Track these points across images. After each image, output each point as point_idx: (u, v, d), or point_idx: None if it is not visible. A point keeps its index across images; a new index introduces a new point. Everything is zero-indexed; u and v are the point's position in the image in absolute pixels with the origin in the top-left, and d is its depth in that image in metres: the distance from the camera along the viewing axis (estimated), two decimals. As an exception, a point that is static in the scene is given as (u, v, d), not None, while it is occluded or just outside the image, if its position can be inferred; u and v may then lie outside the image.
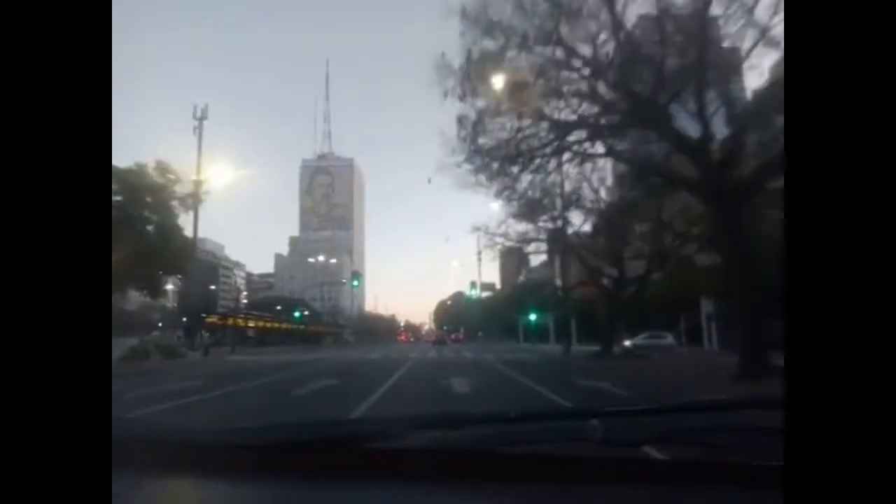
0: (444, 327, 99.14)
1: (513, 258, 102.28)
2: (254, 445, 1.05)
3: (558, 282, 34.66)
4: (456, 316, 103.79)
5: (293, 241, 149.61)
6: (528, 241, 27.00)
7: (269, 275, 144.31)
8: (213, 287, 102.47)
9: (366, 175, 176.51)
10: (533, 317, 46.49)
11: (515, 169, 15.31)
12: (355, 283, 37.37)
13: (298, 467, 0.97)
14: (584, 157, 15.76)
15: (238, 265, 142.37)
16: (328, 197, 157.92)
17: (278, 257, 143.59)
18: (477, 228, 24.81)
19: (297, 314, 52.66)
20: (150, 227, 22.33)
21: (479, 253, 61.65)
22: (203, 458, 1.00)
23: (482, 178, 15.96)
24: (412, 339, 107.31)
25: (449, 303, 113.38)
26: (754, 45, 11.87)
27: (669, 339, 29.29)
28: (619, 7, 12.47)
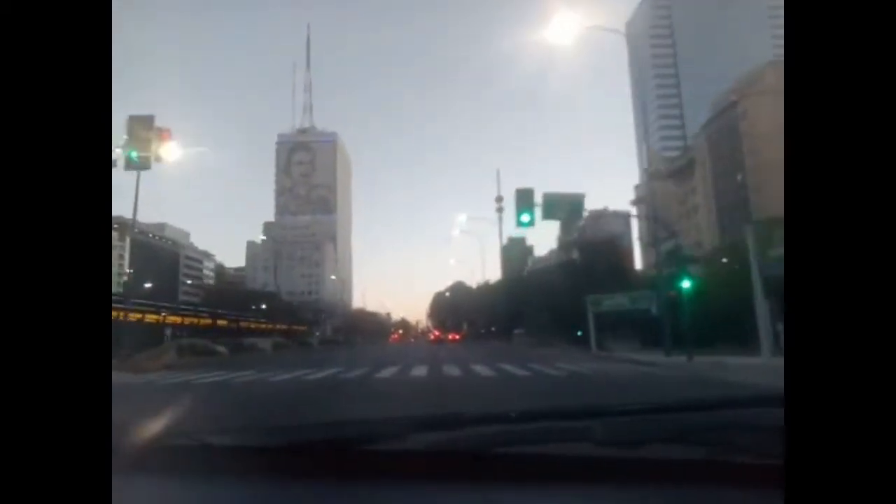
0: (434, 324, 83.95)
1: (515, 250, 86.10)
2: (253, 447, 1.06)
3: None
4: (457, 309, 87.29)
5: (268, 228, 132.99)
6: None
7: (242, 267, 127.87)
8: (130, 270, 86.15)
9: (353, 156, 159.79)
10: (686, 284, 16.99)
11: None
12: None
13: (298, 469, 0.98)
14: None
15: (207, 255, 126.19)
16: (308, 176, 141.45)
17: (251, 245, 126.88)
18: None
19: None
20: None
21: (500, 200, 44.46)
22: (203, 460, 1.01)
23: None
24: (412, 340, 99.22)
25: (447, 294, 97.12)
26: None
27: None
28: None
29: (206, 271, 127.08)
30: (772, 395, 0.93)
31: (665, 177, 72.46)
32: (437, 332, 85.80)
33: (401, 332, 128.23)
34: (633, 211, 74.96)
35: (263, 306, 66.74)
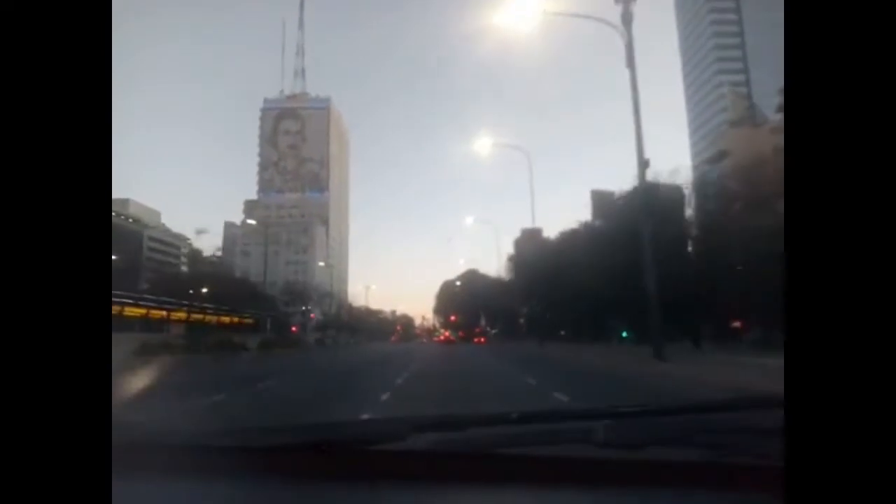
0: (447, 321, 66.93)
1: (528, 242, 68.96)
2: (256, 447, 1.08)
3: None
4: (470, 302, 70.48)
5: (249, 207, 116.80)
6: None
7: (218, 249, 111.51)
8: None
9: (351, 128, 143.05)
10: None
11: None
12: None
13: (300, 469, 1.00)
14: None
15: (182, 238, 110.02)
16: (297, 148, 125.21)
17: (228, 227, 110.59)
18: None
19: None
20: None
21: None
22: (204, 460, 1.02)
23: None
24: (424, 340, 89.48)
25: (458, 284, 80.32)
26: None
27: None
28: None
29: (183, 258, 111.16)
30: (772, 398, 0.94)
31: (757, 123, 55.05)
32: (446, 333, 70.26)
33: (399, 328, 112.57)
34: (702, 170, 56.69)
35: (204, 290, 49.91)
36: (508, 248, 60.43)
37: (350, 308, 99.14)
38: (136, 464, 0.96)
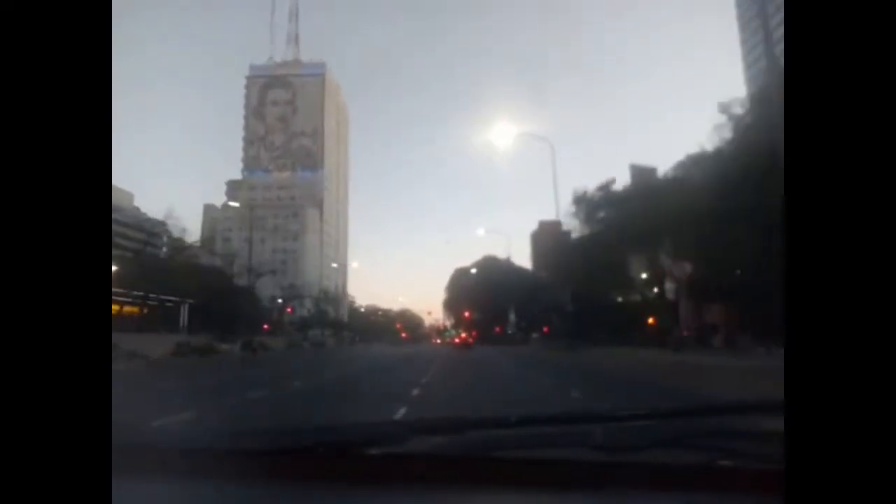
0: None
1: (546, 236, 55.73)
2: (254, 450, 1.09)
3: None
4: (486, 296, 56.99)
5: (233, 188, 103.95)
6: None
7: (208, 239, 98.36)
8: None
9: (351, 102, 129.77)
10: None
11: None
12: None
13: (299, 472, 1.02)
14: None
15: (160, 224, 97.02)
16: (287, 121, 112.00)
17: (209, 209, 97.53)
18: None
19: None
20: None
21: None
22: (204, 463, 1.03)
23: None
24: (437, 341, 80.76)
25: (473, 271, 66.84)
26: None
27: None
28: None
29: (164, 246, 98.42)
30: (772, 401, 0.94)
31: None
32: (463, 335, 57.40)
33: (398, 326, 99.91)
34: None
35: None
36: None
37: (339, 300, 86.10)
38: (137, 467, 0.96)
